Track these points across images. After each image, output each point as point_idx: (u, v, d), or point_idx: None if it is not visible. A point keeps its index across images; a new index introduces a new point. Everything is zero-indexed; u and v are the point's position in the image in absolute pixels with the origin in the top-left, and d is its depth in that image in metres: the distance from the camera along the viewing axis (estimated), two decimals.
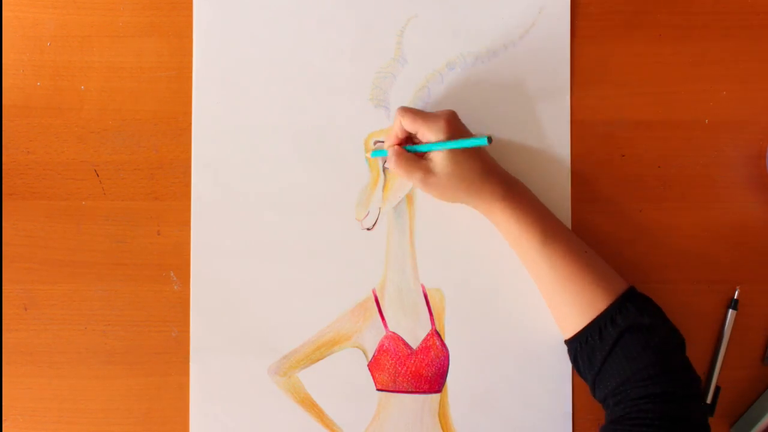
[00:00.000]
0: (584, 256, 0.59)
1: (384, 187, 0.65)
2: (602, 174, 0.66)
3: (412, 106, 0.64)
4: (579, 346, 0.58)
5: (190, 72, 0.65)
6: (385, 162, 0.64)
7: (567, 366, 0.64)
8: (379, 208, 0.65)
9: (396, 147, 0.60)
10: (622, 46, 0.66)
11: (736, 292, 0.64)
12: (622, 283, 0.59)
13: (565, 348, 0.62)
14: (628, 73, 0.66)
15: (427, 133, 0.58)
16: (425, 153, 0.59)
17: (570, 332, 0.59)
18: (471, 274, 0.65)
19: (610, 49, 0.66)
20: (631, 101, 0.66)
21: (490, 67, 0.65)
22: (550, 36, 0.65)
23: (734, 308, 0.64)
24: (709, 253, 0.65)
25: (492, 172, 0.60)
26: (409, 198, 0.65)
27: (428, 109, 0.62)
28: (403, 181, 0.65)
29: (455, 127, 0.58)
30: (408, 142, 0.61)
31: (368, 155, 0.65)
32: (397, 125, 0.60)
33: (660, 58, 0.66)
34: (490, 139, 0.54)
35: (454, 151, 0.57)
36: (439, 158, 0.58)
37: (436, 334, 0.65)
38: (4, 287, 0.65)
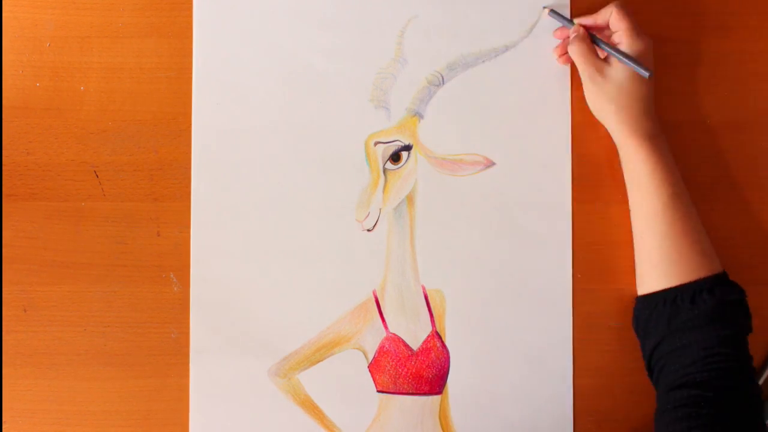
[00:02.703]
0: (698, 226, 0.59)
1: (384, 188, 0.65)
2: (602, 174, 0.66)
3: (411, 105, 0.65)
4: (663, 302, 0.58)
5: (190, 72, 0.65)
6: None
7: (568, 366, 0.64)
8: (380, 209, 0.65)
9: (584, 31, 0.60)
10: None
11: None
12: (720, 265, 0.59)
13: (565, 349, 0.62)
14: None
15: (625, 41, 0.59)
16: (606, 56, 0.60)
17: (655, 287, 0.59)
18: (472, 276, 0.65)
19: None
20: None
21: (490, 68, 0.65)
22: (551, 36, 0.65)
23: None
24: None
25: (650, 110, 0.60)
26: (410, 199, 0.65)
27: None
28: (403, 181, 0.65)
29: (649, 55, 0.59)
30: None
31: (546, 10, 0.64)
32: (604, 15, 0.60)
33: (660, 58, 0.65)
34: (651, 75, 0.58)
35: (634, 72, 0.58)
36: (620, 68, 0.59)
37: (436, 335, 0.65)
38: (3, 289, 0.65)
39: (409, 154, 0.65)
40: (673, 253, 0.58)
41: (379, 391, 0.65)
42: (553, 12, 0.64)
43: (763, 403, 0.56)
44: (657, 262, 0.59)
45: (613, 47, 0.60)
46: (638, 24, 0.60)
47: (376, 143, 0.65)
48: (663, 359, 0.58)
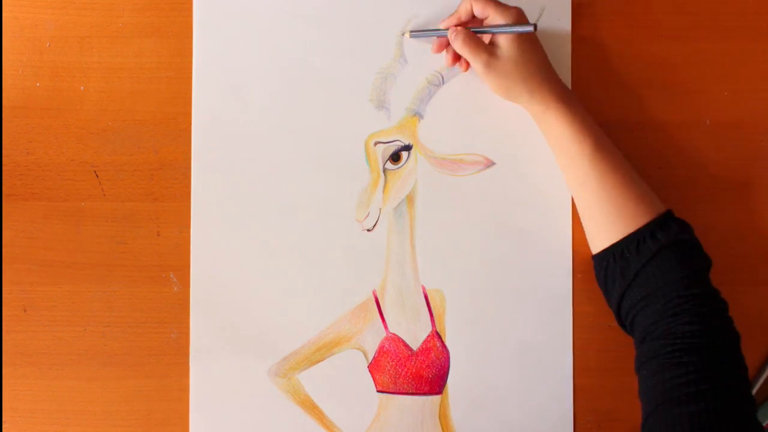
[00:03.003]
0: (630, 173, 0.59)
1: (384, 188, 0.65)
2: None
3: (411, 105, 0.64)
4: (612, 258, 0.58)
5: (190, 72, 0.65)
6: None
7: (568, 367, 0.64)
8: (380, 209, 0.65)
9: (461, 27, 0.61)
10: (622, 46, 0.66)
11: None
12: (662, 206, 0.59)
13: (565, 348, 0.62)
14: (628, 73, 0.66)
15: (498, 18, 0.59)
16: (491, 39, 0.60)
17: (604, 244, 0.59)
18: (471, 275, 0.65)
19: (610, 49, 0.66)
20: (632, 102, 0.66)
21: None
22: (551, 36, 0.65)
23: None
24: (710, 254, 0.65)
25: (552, 72, 0.61)
26: (410, 199, 0.65)
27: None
28: (403, 181, 0.65)
29: (525, 19, 0.59)
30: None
31: (406, 34, 0.64)
32: (465, 8, 0.61)
33: (660, 59, 0.66)
34: (535, 27, 0.58)
35: (520, 39, 0.59)
36: (505, 44, 0.59)
37: (436, 335, 0.65)
38: (3, 289, 0.65)
39: (409, 154, 0.65)
40: (610, 207, 0.58)
41: (379, 391, 0.65)
42: (414, 32, 0.64)
43: (739, 335, 0.55)
44: (599, 219, 0.59)
45: (491, 26, 0.60)
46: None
47: (376, 143, 0.65)
48: (630, 313, 0.57)
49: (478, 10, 0.60)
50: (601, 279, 0.60)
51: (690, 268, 0.55)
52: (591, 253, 0.61)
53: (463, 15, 0.61)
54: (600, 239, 0.59)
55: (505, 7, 0.59)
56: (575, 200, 0.62)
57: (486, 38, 0.61)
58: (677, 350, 0.53)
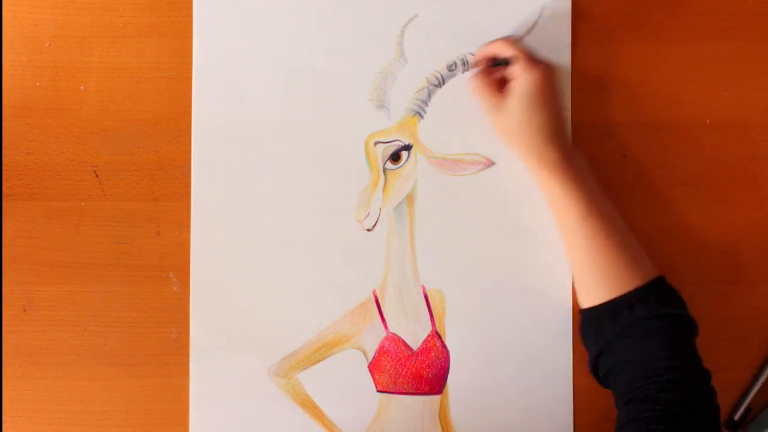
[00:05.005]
0: (621, 238, 0.59)
1: (384, 187, 0.65)
2: (603, 175, 0.65)
3: (411, 105, 0.65)
4: (590, 319, 0.58)
5: (190, 72, 0.65)
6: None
7: (568, 367, 0.64)
8: (380, 209, 0.65)
9: (483, 66, 0.63)
10: (622, 46, 0.66)
11: None
12: (653, 271, 0.58)
13: (565, 349, 0.62)
14: (629, 73, 0.66)
15: (518, 71, 0.60)
16: (508, 88, 0.61)
17: (586, 304, 0.59)
18: (471, 275, 0.65)
19: (610, 49, 0.66)
20: (633, 102, 0.66)
21: None
22: (551, 36, 0.65)
23: None
24: (710, 254, 0.65)
25: (557, 137, 0.60)
26: (410, 198, 0.65)
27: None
28: (403, 181, 0.65)
29: (546, 85, 0.59)
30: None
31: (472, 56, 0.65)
32: (497, 48, 0.62)
33: (660, 58, 0.66)
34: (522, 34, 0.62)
35: (532, 102, 0.59)
36: (517, 100, 0.59)
37: (436, 335, 0.65)
38: (3, 288, 0.65)
39: (409, 153, 0.65)
40: (595, 271, 0.58)
41: (379, 391, 0.65)
42: (449, 68, 0.65)
43: (719, 408, 0.55)
44: (584, 279, 0.60)
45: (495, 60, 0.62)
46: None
47: (376, 143, 0.65)
48: (608, 375, 0.58)
49: (507, 51, 0.61)
50: (582, 333, 0.61)
51: (670, 339, 0.55)
52: None
53: (494, 51, 0.63)
54: (585, 299, 0.60)
55: (532, 64, 0.59)
56: (567, 255, 0.62)
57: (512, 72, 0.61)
58: (655, 417, 0.53)
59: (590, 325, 0.59)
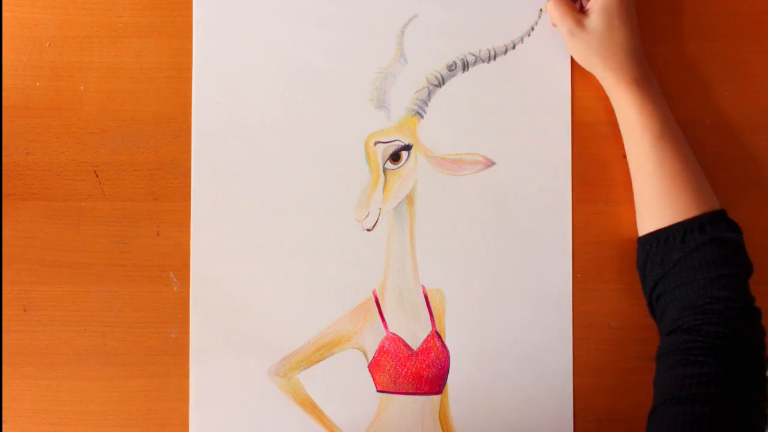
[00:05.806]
0: (692, 164, 0.59)
1: (384, 187, 0.65)
2: (602, 174, 0.66)
3: (411, 105, 0.65)
4: (656, 243, 0.58)
5: (190, 72, 0.65)
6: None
7: (568, 366, 0.64)
8: (380, 209, 0.65)
9: None
10: None
11: None
12: (717, 203, 0.59)
13: (565, 349, 0.62)
14: None
15: None
16: (583, 8, 0.61)
17: (650, 228, 0.59)
18: (471, 275, 0.65)
19: None
20: None
21: (490, 67, 0.65)
22: (551, 36, 0.65)
23: None
24: None
25: (636, 54, 0.60)
26: (410, 198, 0.65)
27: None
28: (403, 181, 0.65)
29: (626, 0, 0.59)
30: None
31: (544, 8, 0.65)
32: None
33: (661, 58, 0.65)
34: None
35: (615, 17, 0.59)
36: (594, 15, 0.59)
37: (436, 335, 0.65)
38: (3, 288, 0.65)
39: (408, 153, 0.65)
40: (664, 194, 0.58)
41: (379, 391, 0.65)
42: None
43: (764, 345, 0.54)
44: (649, 203, 0.59)
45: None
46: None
47: (376, 143, 0.65)
48: (661, 302, 0.57)
49: None
50: (640, 262, 0.60)
51: (730, 268, 0.55)
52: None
53: None
54: (648, 223, 0.60)
55: None
56: (632, 181, 0.62)
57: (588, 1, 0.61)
58: (698, 348, 0.53)
59: (654, 248, 0.58)
